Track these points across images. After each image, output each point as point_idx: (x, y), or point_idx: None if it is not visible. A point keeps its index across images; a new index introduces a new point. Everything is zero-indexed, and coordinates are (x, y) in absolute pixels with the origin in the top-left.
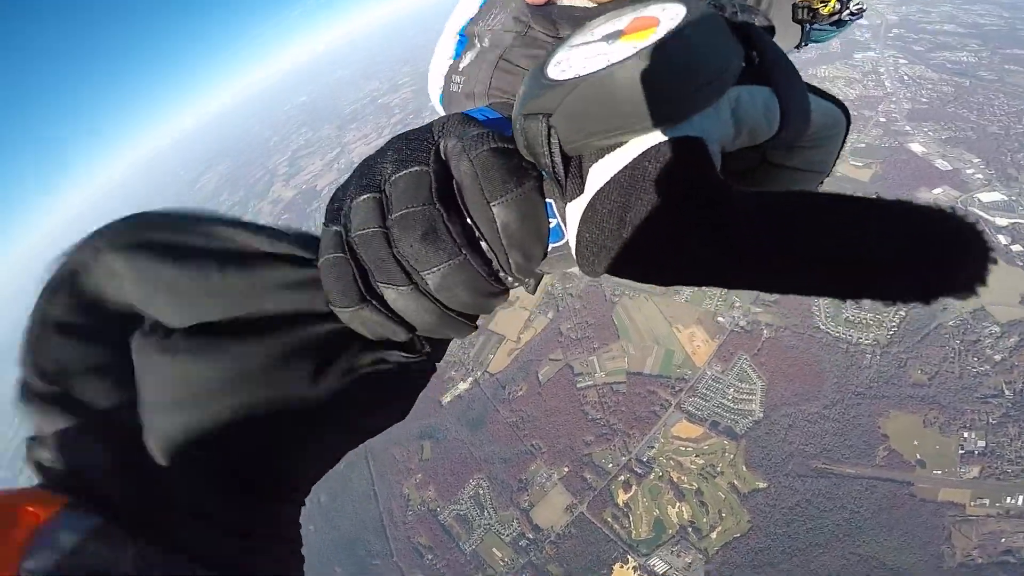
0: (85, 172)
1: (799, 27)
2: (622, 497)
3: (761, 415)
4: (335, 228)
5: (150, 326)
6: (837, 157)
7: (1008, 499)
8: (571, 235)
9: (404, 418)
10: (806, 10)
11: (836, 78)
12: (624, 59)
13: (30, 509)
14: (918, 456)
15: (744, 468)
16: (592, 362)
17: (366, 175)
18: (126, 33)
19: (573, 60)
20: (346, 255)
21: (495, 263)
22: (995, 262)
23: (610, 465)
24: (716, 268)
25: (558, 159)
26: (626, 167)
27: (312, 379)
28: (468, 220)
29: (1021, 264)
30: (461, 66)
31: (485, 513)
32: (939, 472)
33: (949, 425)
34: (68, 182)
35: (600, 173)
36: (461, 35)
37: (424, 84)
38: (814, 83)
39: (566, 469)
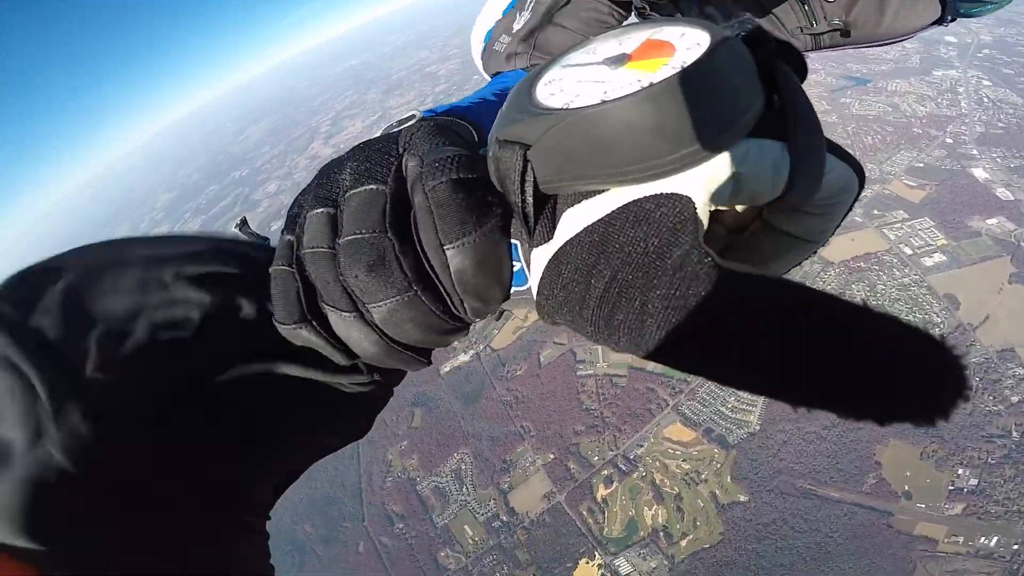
0: (156, 109)
1: None
2: (601, 492)
3: (757, 428)
4: (288, 238)
5: None
6: (839, 225)
7: (982, 539)
8: (533, 283)
9: (362, 436)
10: None
11: (908, 93)
12: (622, 96)
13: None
14: (906, 488)
15: (728, 479)
16: (596, 351)
17: (324, 185)
18: None
19: (566, 83)
20: (294, 269)
21: (449, 302)
22: (967, 400)
23: (596, 458)
24: (680, 360)
25: (530, 199)
26: (600, 220)
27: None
28: (421, 254)
29: None
30: (514, 27)
31: (464, 489)
32: (922, 506)
33: (947, 460)
34: (133, 120)
35: (573, 221)
36: None
37: (470, 56)
38: (839, 140)
39: (551, 456)
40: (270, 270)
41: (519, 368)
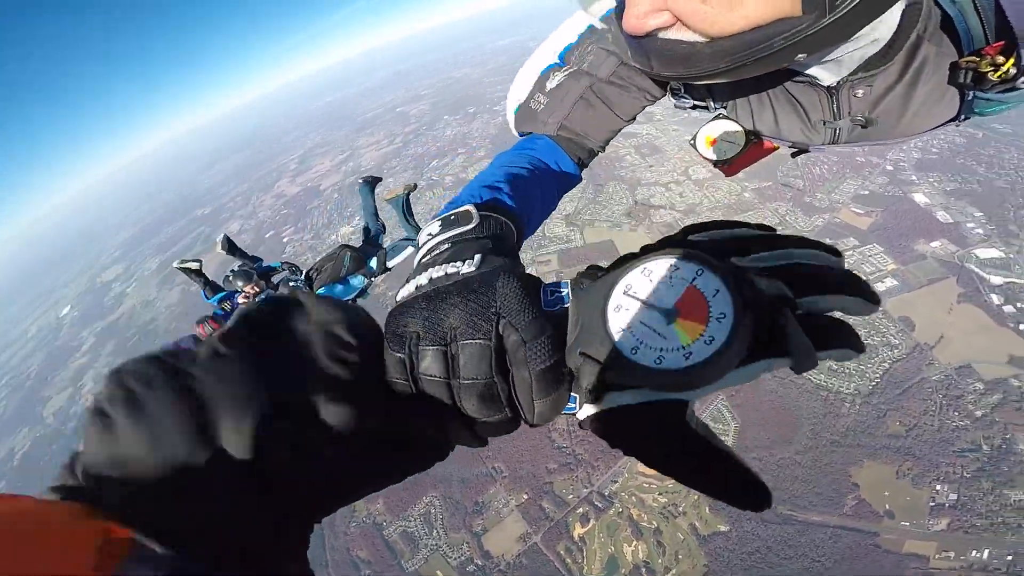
0: (116, 148)
1: (956, 94)
2: (578, 531)
3: None
4: (399, 356)
5: None
6: None
7: (974, 552)
8: (580, 415)
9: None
10: (970, 73)
11: None
12: (676, 369)
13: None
14: (887, 507)
15: (707, 510)
16: None
17: (431, 320)
18: (164, 24)
19: (634, 323)
20: (410, 384)
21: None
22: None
23: (570, 496)
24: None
25: (591, 390)
26: (623, 408)
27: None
28: (512, 391)
29: (1012, 325)
30: (548, 86)
31: (434, 533)
32: (907, 524)
33: (923, 477)
34: (91, 159)
35: (611, 400)
36: (560, 57)
37: (441, 98)
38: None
39: (525, 496)
40: (392, 381)
41: None
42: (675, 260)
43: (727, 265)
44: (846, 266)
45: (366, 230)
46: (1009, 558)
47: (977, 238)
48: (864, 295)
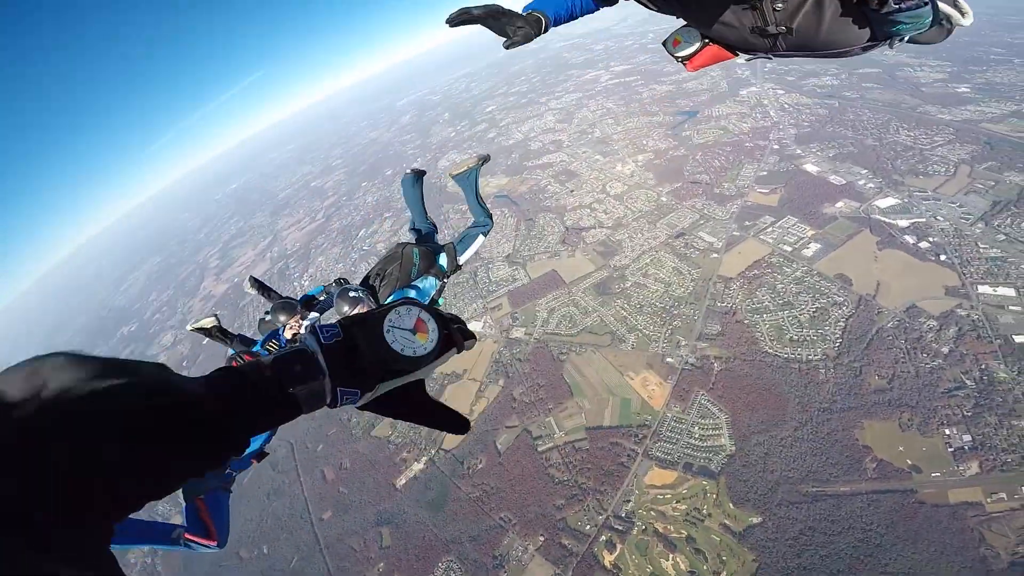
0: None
1: (863, 14)
2: (608, 559)
3: (733, 448)
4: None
5: None
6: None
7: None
8: (359, 404)
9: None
10: None
11: (730, 115)
12: (423, 353)
13: None
14: (909, 462)
15: (731, 506)
16: (549, 423)
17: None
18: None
19: (397, 335)
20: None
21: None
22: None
23: (588, 527)
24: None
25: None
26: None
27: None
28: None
29: (933, 259)
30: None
31: None
32: (938, 474)
33: (926, 425)
34: None
35: (384, 387)
36: None
37: (354, 165)
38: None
39: (541, 539)
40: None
41: (479, 462)
42: (409, 306)
43: (430, 308)
44: None
45: (416, 231)
46: None
47: (872, 192)
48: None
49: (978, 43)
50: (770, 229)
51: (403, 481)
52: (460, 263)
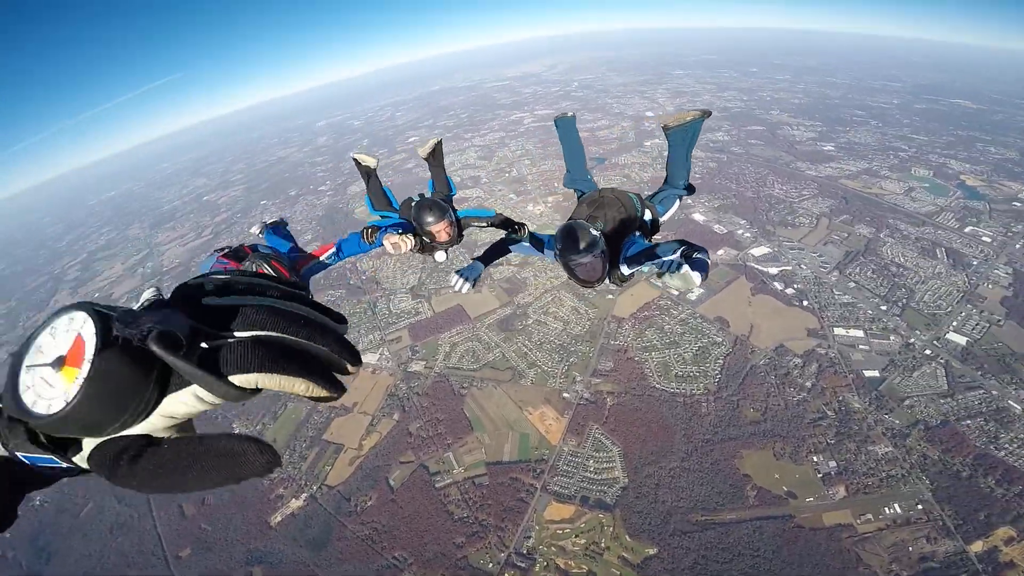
0: None
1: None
2: None
3: (626, 480)
4: None
5: None
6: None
7: (887, 509)
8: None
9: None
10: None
11: (633, 164)
12: (63, 407)
13: None
14: (785, 489)
15: (628, 538)
16: (448, 458)
17: None
18: None
19: (35, 378)
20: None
21: None
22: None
23: (490, 565)
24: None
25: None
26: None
27: None
28: None
29: (797, 304)
30: None
31: None
32: (811, 499)
33: (797, 453)
34: None
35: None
36: None
37: (256, 182)
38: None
39: None
40: None
41: (369, 499)
42: (72, 313)
43: (102, 310)
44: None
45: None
46: (919, 506)
47: (748, 241)
48: (336, 347)
49: (844, 105)
50: None
51: (279, 518)
52: (660, 223)
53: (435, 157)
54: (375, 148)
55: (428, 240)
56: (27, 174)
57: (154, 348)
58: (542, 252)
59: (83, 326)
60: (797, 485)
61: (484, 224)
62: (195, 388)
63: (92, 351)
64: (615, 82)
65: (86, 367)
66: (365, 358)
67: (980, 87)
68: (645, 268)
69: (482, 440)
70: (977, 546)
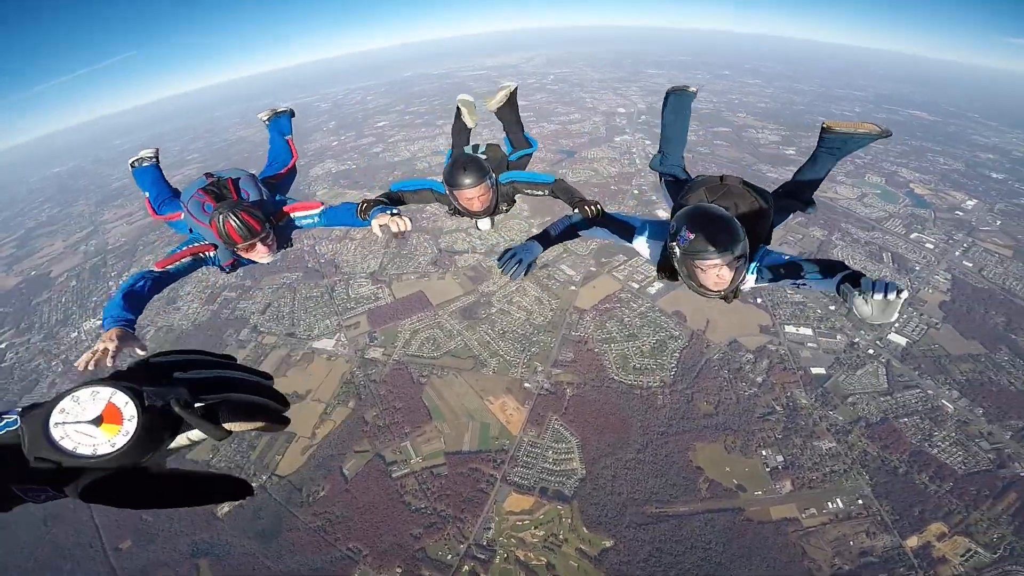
0: None
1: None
2: None
3: (584, 472)
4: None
5: None
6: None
7: (830, 504)
8: (72, 494)
9: None
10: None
11: (602, 158)
12: (106, 453)
13: None
14: (735, 482)
15: (585, 529)
16: (406, 448)
17: None
18: None
19: (69, 431)
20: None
21: None
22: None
23: (449, 556)
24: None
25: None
26: (96, 481)
27: None
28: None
29: (751, 301)
30: None
31: None
32: (759, 492)
33: (747, 446)
34: None
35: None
36: None
37: (214, 162)
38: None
39: (399, 570)
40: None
41: (321, 489)
42: (96, 387)
43: (130, 386)
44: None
45: (670, 177)
46: (860, 501)
47: None
48: (270, 395)
49: (808, 111)
50: (622, 267)
51: (226, 509)
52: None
53: (511, 109)
54: (342, 132)
55: (457, 206)
56: None
57: (177, 411)
58: (629, 241)
59: (112, 396)
60: (746, 478)
61: (540, 193)
62: (191, 432)
63: (134, 413)
64: (591, 78)
65: (132, 423)
66: (321, 344)
67: (938, 100)
68: (767, 283)
69: (441, 429)
70: (912, 541)
